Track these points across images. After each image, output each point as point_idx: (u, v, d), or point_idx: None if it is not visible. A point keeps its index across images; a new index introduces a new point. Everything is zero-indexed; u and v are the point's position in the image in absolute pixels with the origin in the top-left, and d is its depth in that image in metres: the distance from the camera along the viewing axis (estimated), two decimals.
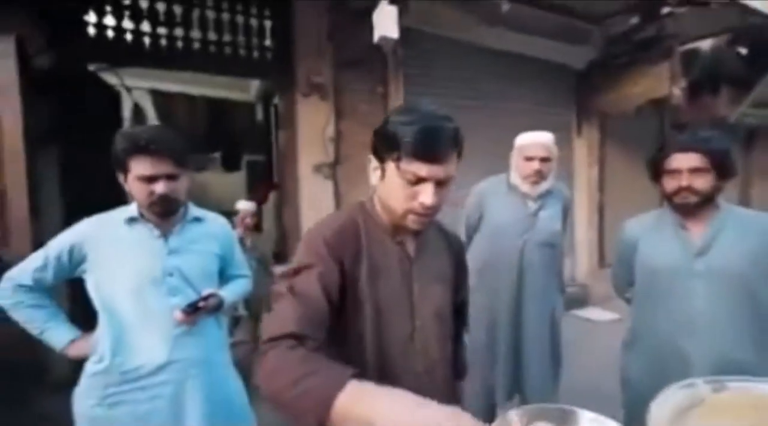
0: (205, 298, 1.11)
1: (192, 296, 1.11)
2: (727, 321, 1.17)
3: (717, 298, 1.18)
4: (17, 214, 2.27)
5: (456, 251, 0.96)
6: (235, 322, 2.85)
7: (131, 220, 1.10)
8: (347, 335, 0.78)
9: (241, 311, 2.67)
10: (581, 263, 4.43)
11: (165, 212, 1.11)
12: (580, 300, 4.32)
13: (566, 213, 1.92)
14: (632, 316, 1.42)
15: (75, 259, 1.07)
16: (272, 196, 4.74)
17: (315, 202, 2.98)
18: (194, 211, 1.22)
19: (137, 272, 1.07)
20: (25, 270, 1.09)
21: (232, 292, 1.24)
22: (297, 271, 0.74)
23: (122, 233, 1.10)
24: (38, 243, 1.37)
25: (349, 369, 0.56)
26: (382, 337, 0.79)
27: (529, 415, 0.75)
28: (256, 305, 2.74)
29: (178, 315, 1.05)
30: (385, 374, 0.78)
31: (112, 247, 1.08)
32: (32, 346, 2.32)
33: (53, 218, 2.59)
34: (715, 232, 1.19)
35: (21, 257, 1.16)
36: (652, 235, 1.32)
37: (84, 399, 1.04)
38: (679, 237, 1.23)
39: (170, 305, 1.07)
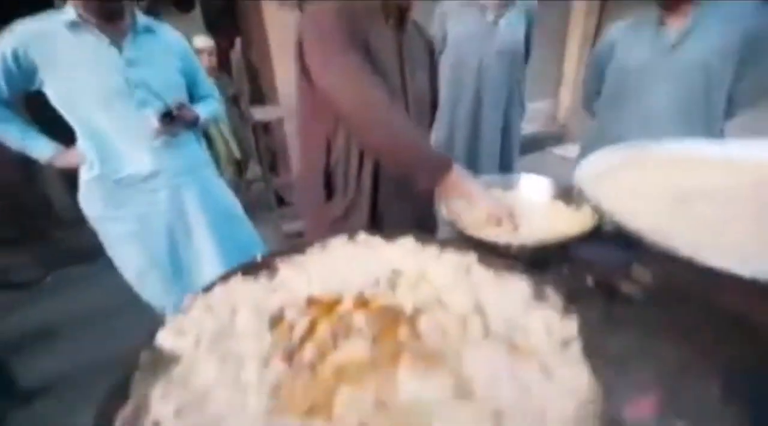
0: (179, 107, 1.11)
1: (162, 110, 1.11)
2: (683, 119, 1.25)
3: (678, 96, 1.23)
4: None
5: (431, 50, 0.99)
6: (237, 165, 2.89)
7: (73, 26, 1.01)
8: None
9: (236, 153, 2.69)
10: (564, 101, 4.38)
11: (105, 10, 1.00)
12: (560, 138, 4.45)
13: (530, 23, 1.87)
14: (593, 124, 1.50)
15: (24, 66, 1.02)
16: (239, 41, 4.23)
17: (284, 42, 2.69)
18: (144, 19, 1.11)
19: (99, 85, 1.04)
20: None
21: (205, 111, 1.25)
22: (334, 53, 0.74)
23: (69, 41, 1.02)
24: None
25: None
26: None
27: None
28: (246, 144, 2.77)
29: (154, 123, 1.08)
30: None
31: (62, 57, 1.02)
32: (35, 185, 2.44)
33: None
34: (691, 26, 1.16)
35: None
36: (630, 35, 1.31)
37: (90, 203, 1.15)
38: (657, 34, 1.22)
39: (143, 117, 1.09)
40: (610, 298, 0.65)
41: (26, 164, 2.41)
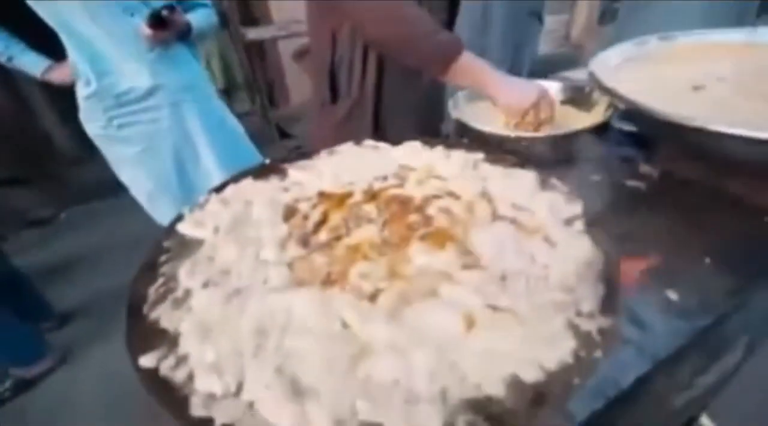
0: (169, 10, 1.04)
1: None
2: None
3: None
4: None
5: None
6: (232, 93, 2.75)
7: None
8: None
9: (220, 82, 2.57)
10: (579, 18, 4.03)
11: None
12: (573, 61, 4.18)
13: None
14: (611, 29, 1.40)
15: None
16: None
17: None
18: None
19: None
20: None
21: (196, 20, 1.17)
22: None
23: None
24: None
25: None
26: None
27: None
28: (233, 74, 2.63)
29: (145, 29, 1.02)
30: None
31: None
32: (34, 125, 2.41)
33: None
34: None
35: None
36: None
37: (90, 122, 1.14)
38: None
39: (133, 26, 1.03)
40: (616, 191, 0.66)
41: (23, 104, 2.35)
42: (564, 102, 0.86)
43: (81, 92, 1.10)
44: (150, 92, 1.11)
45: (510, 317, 0.37)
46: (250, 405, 0.31)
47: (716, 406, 1.16)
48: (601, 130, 0.72)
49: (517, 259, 0.44)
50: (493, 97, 0.74)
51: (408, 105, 0.89)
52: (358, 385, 0.32)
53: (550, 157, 0.68)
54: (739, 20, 1.17)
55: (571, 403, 0.34)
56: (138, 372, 0.34)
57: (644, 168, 0.70)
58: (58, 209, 2.63)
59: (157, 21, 1.01)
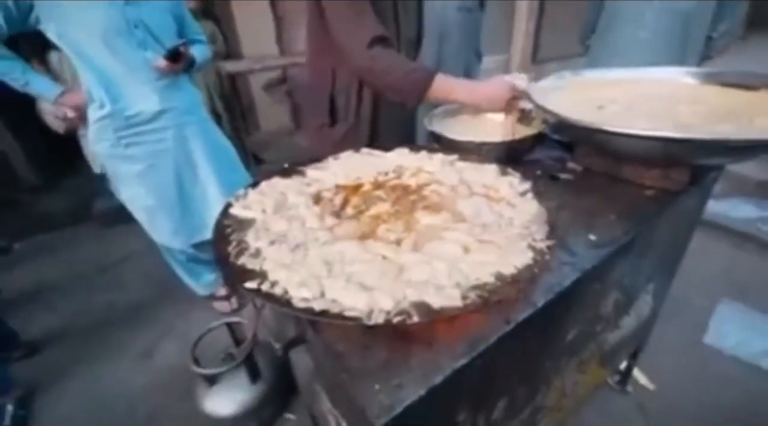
0: (184, 45, 1.19)
1: (161, 51, 1.19)
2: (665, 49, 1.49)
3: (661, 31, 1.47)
4: None
5: None
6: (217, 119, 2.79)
7: None
8: None
9: (219, 107, 2.63)
10: (515, 57, 4.65)
11: None
12: None
13: None
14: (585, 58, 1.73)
15: (21, 5, 1.04)
16: None
17: None
18: None
19: (100, 21, 1.09)
20: None
21: (197, 54, 1.32)
22: None
23: None
24: None
25: (431, 67, 0.89)
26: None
27: (452, 111, 1.08)
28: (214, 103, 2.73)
29: (161, 62, 1.16)
30: None
31: None
32: None
33: None
34: None
35: None
36: None
37: (99, 142, 1.23)
38: None
39: (145, 59, 1.16)
40: (551, 180, 0.90)
41: None
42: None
43: (93, 115, 1.19)
44: (157, 115, 1.23)
45: (491, 245, 0.56)
46: (334, 300, 0.47)
47: (644, 363, 1.42)
48: (539, 139, 0.97)
49: (491, 215, 0.64)
50: (471, 102, 0.94)
51: (397, 124, 1.09)
52: (403, 283, 0.49)
53: (504, 157, 0.91)
54: (681, 61, 1.51)
55: (534, 295, 0.54)
56: (247, 291, 0.49)
57: (571, 164, 0.96)
58: (11, 240, 2.50)
59: (174, 55, 1.16)
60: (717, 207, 2.26)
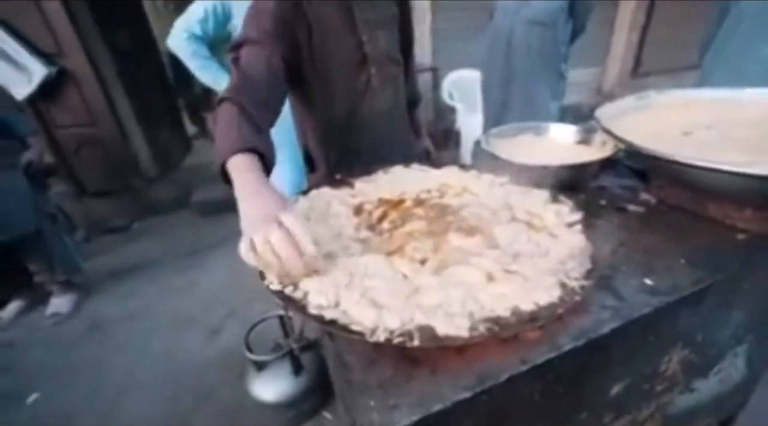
0: None
1: None
2: None
3: None
4: None
5: (396, 6, 1.04)
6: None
7: None
8: (312, 92, 0.97)
9: None
10: (612, 70, 4.24)
11: None
12: None
13: None
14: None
15: (223, 13, 1.25)
16: None
17: None
18: None
19: None
20: (192, 21, 1.27)
21: None
22: (242, 44, 0.82)
23: None
24: None
25: (250, 141, 0.67)
26: (345, 87, 0.98)
27: (512, 131, 1.04)
28: None
29: None
30: (354, 115, 1.01)
31: None
32: (124, 146, 2.85)
33: None
34: None
35: None
36: None
37: None
38: None
39: None
40: (617, 212, 0.81)
41: (121, 128, 2.80)
42: (578, 142, 1.03)
43: None
44: None
45: (518, 276, 0.53)
46: (345, 312, 0.49)
47: None
48: (607, 164, 0.88)
49: (527, 245, 0.61)
50: (239, 202, 0.61)
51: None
52: (414, 305, 0.49)
53: (564, 183, 0.84)
54: None
55: (559, 338, 0.50)
56: (270, 291, 0.54)
57: (643, 195, 0.85)
58: (132, 219, 3.02)
59: None
60: None
